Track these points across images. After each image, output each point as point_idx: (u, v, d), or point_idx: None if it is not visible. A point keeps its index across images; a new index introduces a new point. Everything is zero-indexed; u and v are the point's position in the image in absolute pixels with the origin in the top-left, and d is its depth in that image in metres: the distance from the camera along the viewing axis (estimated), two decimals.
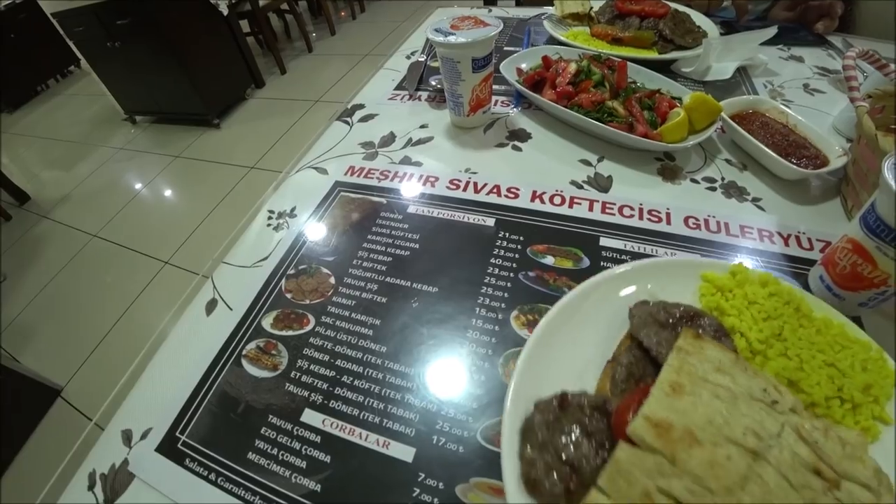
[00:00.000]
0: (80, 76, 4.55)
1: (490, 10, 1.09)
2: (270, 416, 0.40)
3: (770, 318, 0.38)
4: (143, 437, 0.40)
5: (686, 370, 0.31)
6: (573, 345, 0.38)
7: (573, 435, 0.32)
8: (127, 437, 0.41)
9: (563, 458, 0.31)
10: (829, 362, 0.36)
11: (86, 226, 2.45)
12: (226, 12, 2.77)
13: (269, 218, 0.59)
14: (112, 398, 0.45)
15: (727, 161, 0.60)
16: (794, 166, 0.53)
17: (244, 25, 3.20)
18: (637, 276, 0.42)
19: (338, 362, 0.43)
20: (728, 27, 0.88)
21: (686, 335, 0.34)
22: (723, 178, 0.57)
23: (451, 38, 0.56)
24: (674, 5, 0.84)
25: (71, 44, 3.06)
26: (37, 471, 1.45)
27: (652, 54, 0.78)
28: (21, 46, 4.05)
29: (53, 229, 2.52)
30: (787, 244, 0.49)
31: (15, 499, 1.38)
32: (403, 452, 0.37)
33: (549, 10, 0.95)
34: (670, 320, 0.37)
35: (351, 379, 0.42)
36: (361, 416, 0.39)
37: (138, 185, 2.72)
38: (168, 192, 2.66)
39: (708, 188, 0.56)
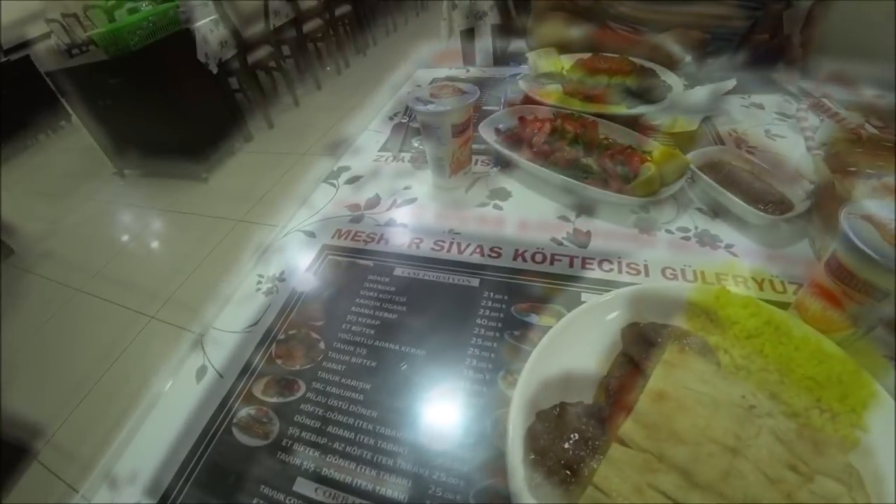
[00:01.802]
0: (70, 131, 4.58)
1: (468, 70, 1.15)
2: (262, 487, 0.40)
3: (751, 337, 0.41)
4: None
5: (671, 380, 0.35)
6: (569, 362, 0.42)
7: (571, 440, 0.35)
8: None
9: (563, 462, 0.34)
10: (808, 375, 0.38)
11: (70, 280, 2.42)
12: (215, 70, 2.86)
13: (259, 282, 0.60)
14: (99, 468, 0.44)
15: (699, 210, 0.62)
16: (762, 213, 0.55)
17: (233, 82, 3.30)
18: (628, 301, 0.46)
19: (329, 429, 0.43)
20: (692, 79, 0.93)
21: (672, 350, 0.37)
22: (696, 227, 0.59)
23: (431, 107, 0.60)
24: (640, 61, 0.90)
25: (63, 101, 3.12)
26: None
27: (621, 110, 0.82)
28: (13, 102, 4.12)
29: (37, 283, 2.49)
30: (761, 289, 0.51)
31: None
32: None
33: (525, 68, 1.00)
34: (659, 339, 0.40)
35: (343, 445, 0.42)
36: (354, 484, 0.39)
37: (125, 238, 2.71)
38: (155, 246, 2.65)
39: (682, 237, 0.58)
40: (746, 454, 0.31)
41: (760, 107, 0.85)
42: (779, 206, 0.57)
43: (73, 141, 4.33)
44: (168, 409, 0.47)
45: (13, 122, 4.19)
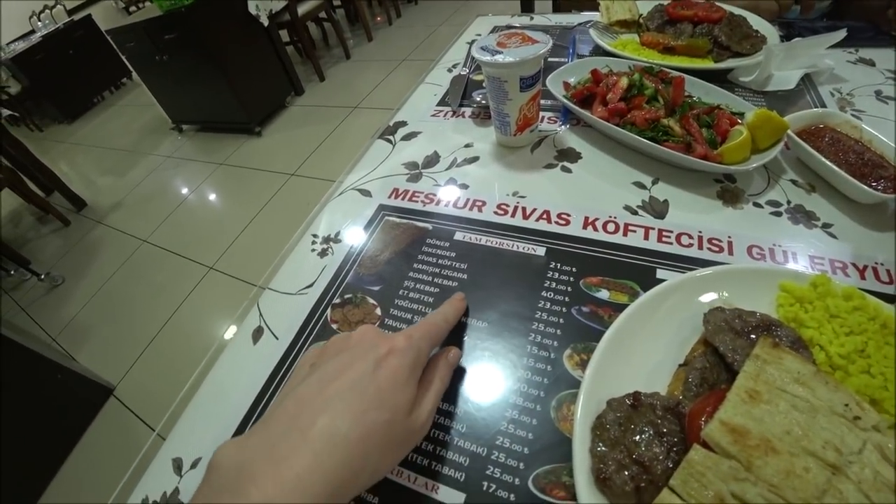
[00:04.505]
0: (131, 87, 4.81)
1: (531, 18, 1.06)
2: None
3: (853, 334, 0.36)
4: (193, 466, 0.41)
5: (763, 378, 0.31)
6: (645, 347, 0.39)
7: (645, 434, 0.32)
8: (178, 465, 0.41)
9: (635, 456, 0.31)
10: None
11: (137, 231, 2.57)
12: (266, 23, 2.85)
13: (313, 242, 0.59)
14: (164, 422, 0.45)
15: (793, 182, 0.55)
16: (871, 189, 0.48)
17: (284, 35, 3.29)
18: (712, 282, 0.42)
19: None
20: (788, 29, 0.82)
21: (763, 343, 0.33)
22: (789, 202, 0.53)
23: (499, 58, 0.55)
24: (730, 8, 0.79)
25: (123, 58, 3.24)
26: (90, 474, 1.53)
27: (707, 63, 0.74)
28: (78, 61, 4.36)
29: (108, 234, 2.66)
30: (863, 277, 0.44)
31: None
32: (453, 497, 0.35)
33: (595, 16, 0.91)
34: (746, 329, 0.37)
35: None
36: (410, 458, 0.38)
37: (185, 191, 2.83)
38: (213, 199, 2.75)
39: (773, 213, 0.52)
40: (848, 472, 0.27)
41: (870, 63, 0.74)
42: (892, 181, 0.49)
43: (134, 97, 4.54)
44: (227, 369, 0.48)
45: (81, 80, 4.42)
